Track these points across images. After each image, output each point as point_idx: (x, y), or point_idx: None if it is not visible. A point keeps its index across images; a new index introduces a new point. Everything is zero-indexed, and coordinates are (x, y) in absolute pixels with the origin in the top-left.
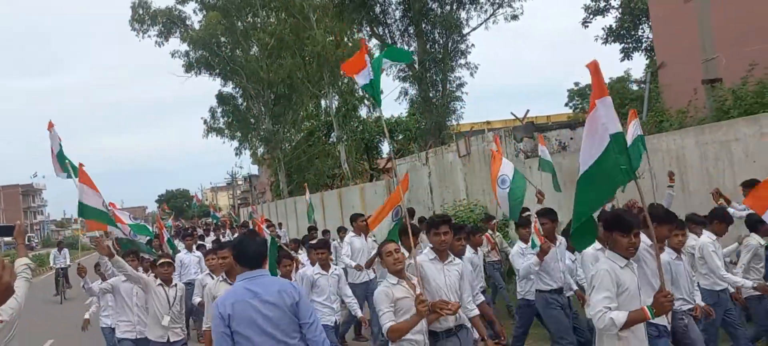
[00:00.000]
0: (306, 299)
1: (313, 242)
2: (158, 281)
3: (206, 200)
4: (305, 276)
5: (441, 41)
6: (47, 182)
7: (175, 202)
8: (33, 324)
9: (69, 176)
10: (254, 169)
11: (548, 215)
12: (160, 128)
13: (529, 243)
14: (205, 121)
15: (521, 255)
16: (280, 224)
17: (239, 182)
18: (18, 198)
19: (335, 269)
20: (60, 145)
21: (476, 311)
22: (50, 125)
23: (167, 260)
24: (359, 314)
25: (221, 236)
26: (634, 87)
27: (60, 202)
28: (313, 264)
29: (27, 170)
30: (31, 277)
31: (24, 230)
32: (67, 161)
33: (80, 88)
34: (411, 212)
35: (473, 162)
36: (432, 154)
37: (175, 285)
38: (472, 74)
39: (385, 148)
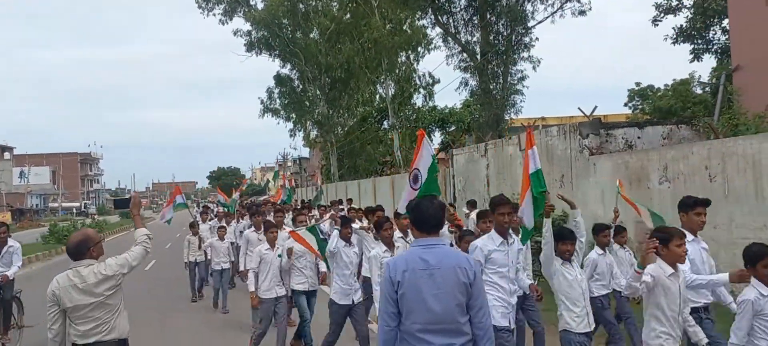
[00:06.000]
0: (480, 281)
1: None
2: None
3: (255, 179)
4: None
5: (505, 33)
6: (104, 151)
7: (226, 179)
8: None
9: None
10: (305, 152)
11: None
12: (216, 106)
13: None
14: (262, 101)
15: None
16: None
17: (289, 164)
18: (76, 166)
19: None
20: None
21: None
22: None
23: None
24: None
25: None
26: (698, 91)
27: (115, 172)
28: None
29: (84, 138)
30: (149, 245)
31: (139, 202)
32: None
33: (139, 60)
34: (473, 203)
35: None
36: (491, 146)
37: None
38: (534, 68)
39: (437, 138)
